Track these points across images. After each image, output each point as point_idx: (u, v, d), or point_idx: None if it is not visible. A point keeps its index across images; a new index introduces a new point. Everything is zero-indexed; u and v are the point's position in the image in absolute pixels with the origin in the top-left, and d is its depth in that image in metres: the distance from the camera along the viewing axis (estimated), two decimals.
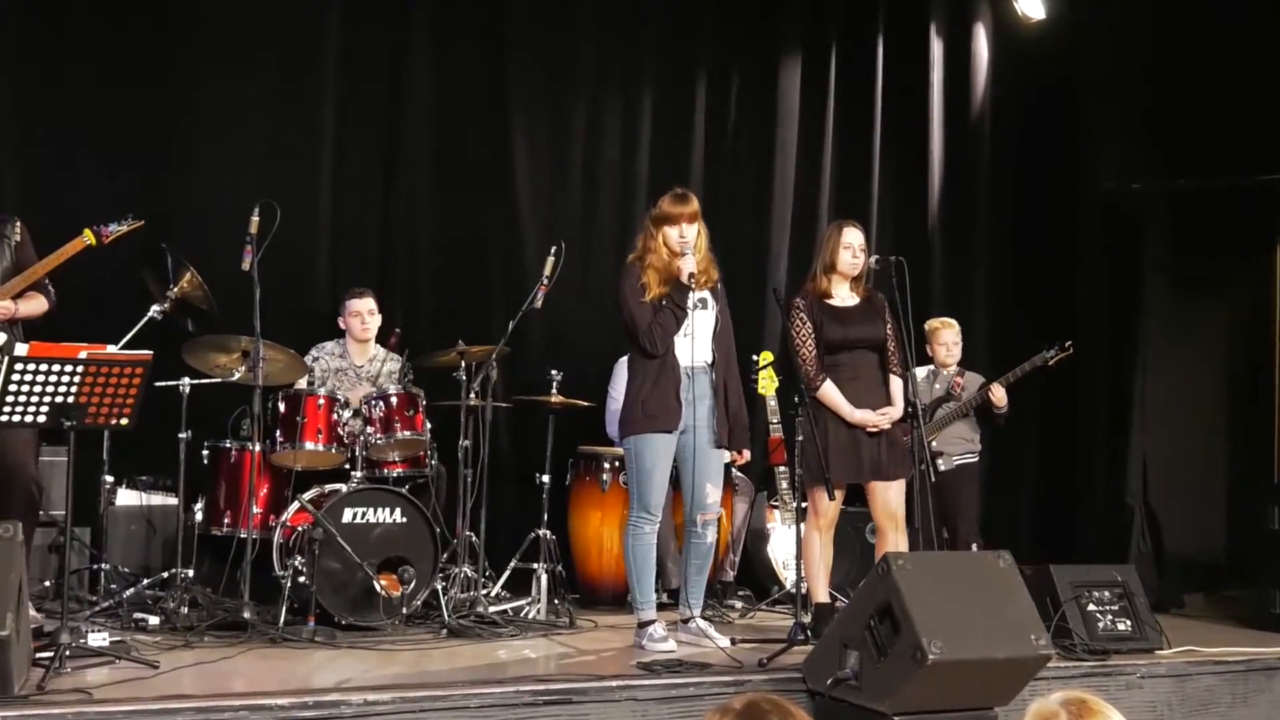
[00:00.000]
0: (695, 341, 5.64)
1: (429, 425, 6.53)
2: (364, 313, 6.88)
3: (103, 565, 6.14)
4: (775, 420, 7.25)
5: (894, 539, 5.89)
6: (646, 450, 5.59)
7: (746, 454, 6.22)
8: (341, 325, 6.95)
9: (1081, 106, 9.01)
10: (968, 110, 9.13)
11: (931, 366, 7.52)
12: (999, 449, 8.23)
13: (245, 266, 5.73)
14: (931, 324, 7.51)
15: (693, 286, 5.57)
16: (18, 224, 5.67)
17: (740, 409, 5.87)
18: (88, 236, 5.66)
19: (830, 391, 5.93)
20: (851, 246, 6.04)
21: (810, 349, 5.97)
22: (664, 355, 5.60)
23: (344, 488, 6.17)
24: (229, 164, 7.24)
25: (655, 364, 5.60)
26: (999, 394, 7.22)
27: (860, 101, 8.90)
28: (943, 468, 7.23)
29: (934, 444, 7.25)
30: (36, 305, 5.64)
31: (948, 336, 7.46)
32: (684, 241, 5.63)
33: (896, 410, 5.98)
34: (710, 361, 5.71)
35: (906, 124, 9.04)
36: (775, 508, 7.45)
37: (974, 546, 7.15)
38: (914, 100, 9.04)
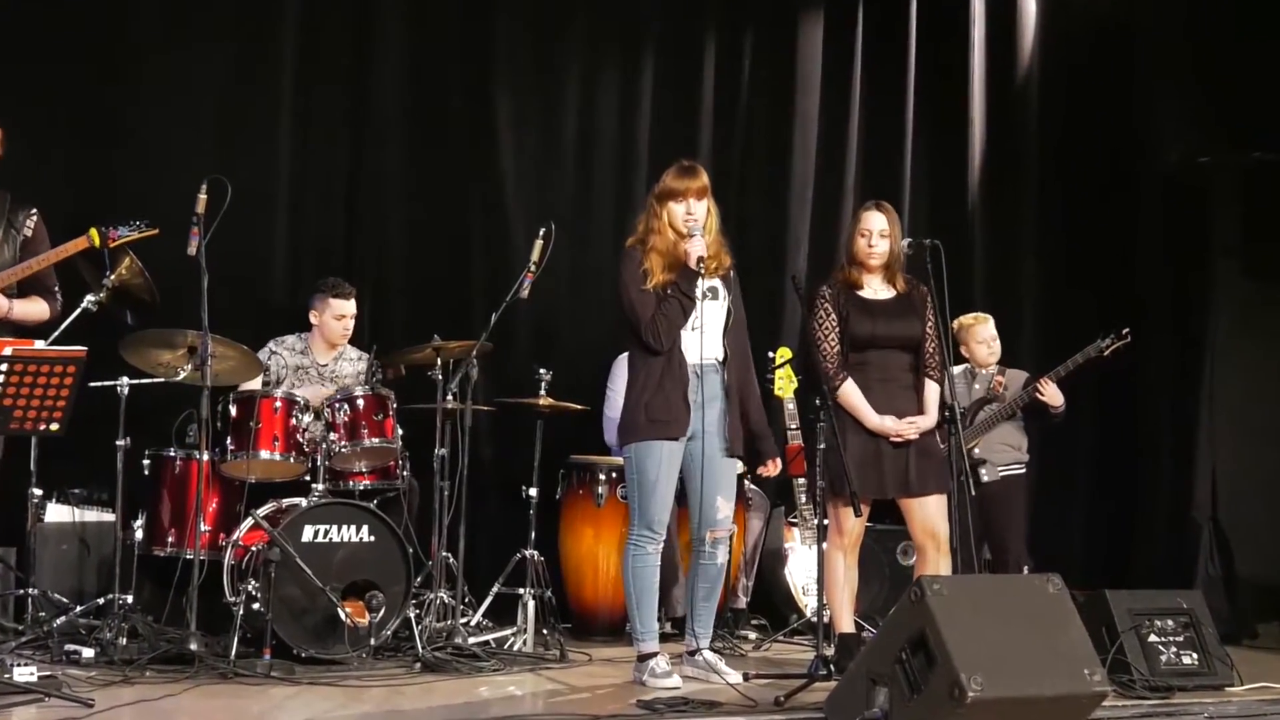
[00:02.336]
0: (705, 336, 5.62)
1: (400, 431, 6.52)
2: (348, 315, 6.88)
3: (30, 590, 6.12)
4: (794, 425, 7.24)
5: (935, 561, 5.89)
6: (650, 460, 5.58)
7: (778, 462, 6.19)
8: (313, 320, 6.93)
9: (1141, 69, 9.00)
10: (1012, 74, 9.12)
11: (967, 365, 7.50)
12: (1048, 457, 8.22)
13: (191, 251, 5.73)
14: (963, 320, 7.49)
15: (702, 272, 5.55)
16: (33, 215, 5.74)
17: (762, 415, 5.87)
18: (92, 237, 5.69)
19: (851, 393, 5.92)
20: (869, 233, 6.03)
21: (832, 344, 5.97)
22: (669, 351, 5.58)
23: (304, 502, 6.15)
24: (173, 135, 7.22)
25: (660, 361, 5.59)
26: (1050, 391, 7.20)
27: (890, 65, 8.89)
28: (985, 479, 7.22)
29: (975, 452, 7.24)
30: (35, 309, 5.69)
31: (985, 332, 7.45)
32: (692, 220, 5.61)
33: (927, 419, 5.96)
34: (721, 359, 5.69)
35: (943, 91, 9.03)
36: (794, 525, 7.44)
37: (1024, 569, 7.14)
38: (951, 64, 9.04)
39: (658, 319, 5.55)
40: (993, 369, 7.45)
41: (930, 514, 5.93)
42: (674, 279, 5.58)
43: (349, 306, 6.89)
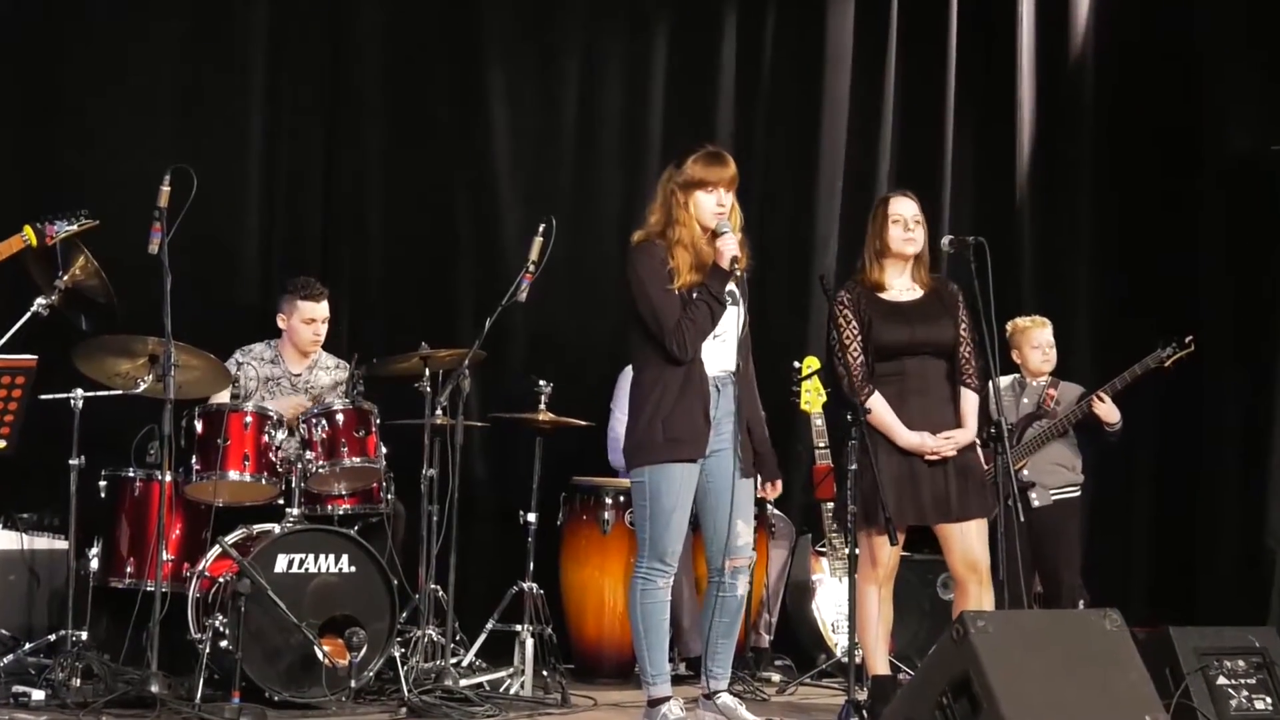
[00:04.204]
0: (725, 345, 5.60)
1: (384, 450, 6.55)
2: (319, 320, 6.90)
3: None
4: (822, 444, 7.26)
5: (977, 595, 5.88)
6: (666, 485, 5.52)
7: (778, 485, 6.16)
8: (280, 325, 6.96)
9: (1208, 47, 9.00)
10: (1064, 53, 9.13)
11: (1016, 375, 7.53)
12: (1105, 478, 8.21)
13: (153, 248, 5.75)
14: (1019, 323, 7.52)
15: (736, 273, 5.51)
16: None
17: (765, 430, 5.83)
18: (28, 235, 5.71)
19: (879, 408, 5.91)
20: (903, 219, 6.03)
21: (855, 355, 5.95)
22: (690, 361, 5.54)
23: (277, 529, 6.19)
24: (133, 121, 7.27)
25: (679, 373, 5.52)
26: (1106, 406, 7.23)
27: (929, 44, 8.90)
28: (1036, 503, 7.24)
29: (1024, 473, 7.26)
30: None
31: (1042, 337, 7.47)
32: (723, 213, 5.57)
33: (966, 433, 5.95)
34: (735, 370, 5.67)
35: (987, 70, 9.05)
36: (822, 554, 7.46)
37: (1078, 603, 7.16)
38: (996, 40, 9.05)
39: (684, 325, 5.47)
40: (1045, 380, 7.48)
41: (971, 542, 5.92)
42: (701, 280, 5.55)
43: (320, 309, 6.91)
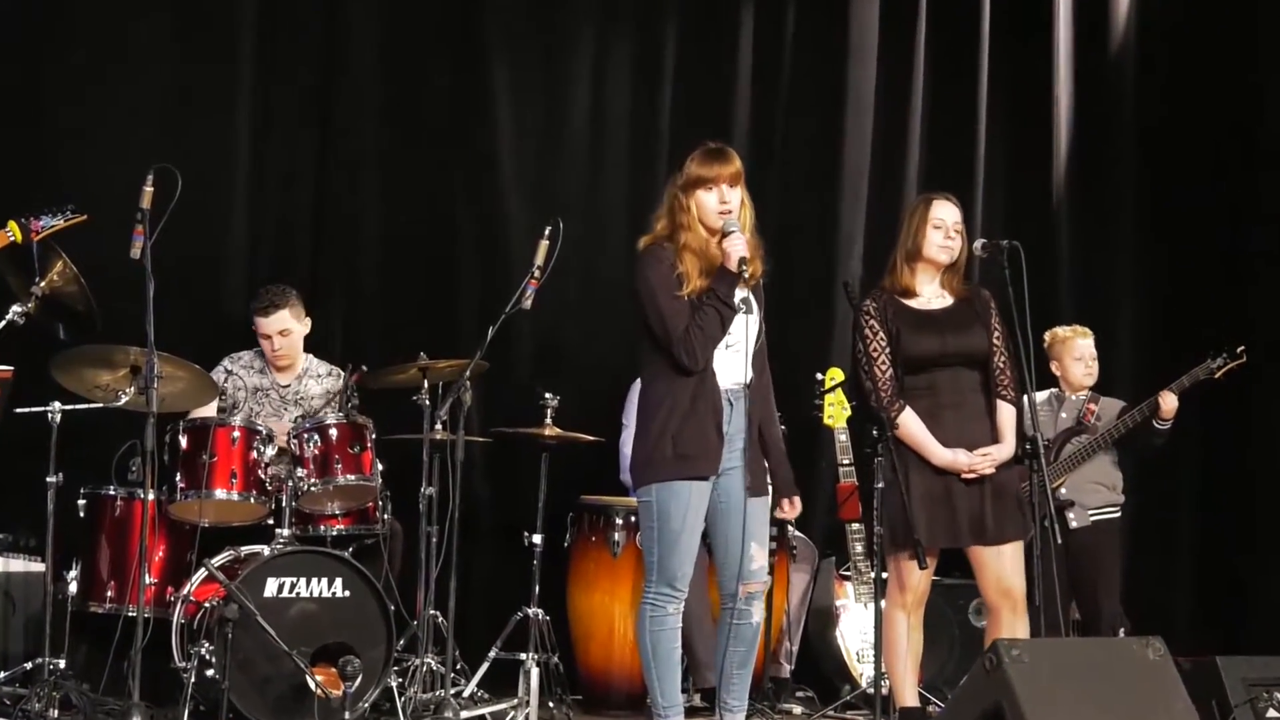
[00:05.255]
0: (738, 355, 5.59)
1: (380, 467, 6.57)
2: (272, 334, 6.90)
3: None
4: (846, 461, 7.27)
5: (1010, 622, 5.88)
6: (675, 504, 5.51)
7: (797, 503, 6.12)
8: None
9: (1263, 27, 9.00)
10: (1105, 41, 9.15)
11: (1054, 390, 7.53)
12: (1147, 498, 8.22)
13: (135, 253, 5.74)
14: (1059, 333, 7.53)
15: (745, 275, 5.51)
16: None
17: (782, 446, 5.81)
18: (12, 231, 5.72)
19: (911, 424, 5.91)
20: (944, 225, 6.03)
21: (883, 366, 5.95)
22: (702, 372, 5.54)
23: (266, 550, 6.20)
24: (114, 120, 7.30)
25: (689, 385, 5.52)
26: (1170, 403, 7.23)
27: (960, 31, 8.93)
28: (1074, 524, 7.25)
29: (1062, 491, 7.27)
30: None
31: (1084, 348, 7.49)
32: (727, 211, 5.56)
33: (1004, 449, 5.96)
34: (747, 382, 5.66)
35: (1022, 61, 9.06)
36: (846, 579, 7.46)
37: (1120, 631, 7.16)
38: (1032, 27, 9.07)
39: (692, 333, 5.45)
40: (1085, 395, 7.48)
41: (1005, 568, 5.91)
42: (710, 285, 5.52)
43: (269, 324, 6.88)
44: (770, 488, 5.71)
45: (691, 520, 5.51)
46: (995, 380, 6.03)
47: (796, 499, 6.01)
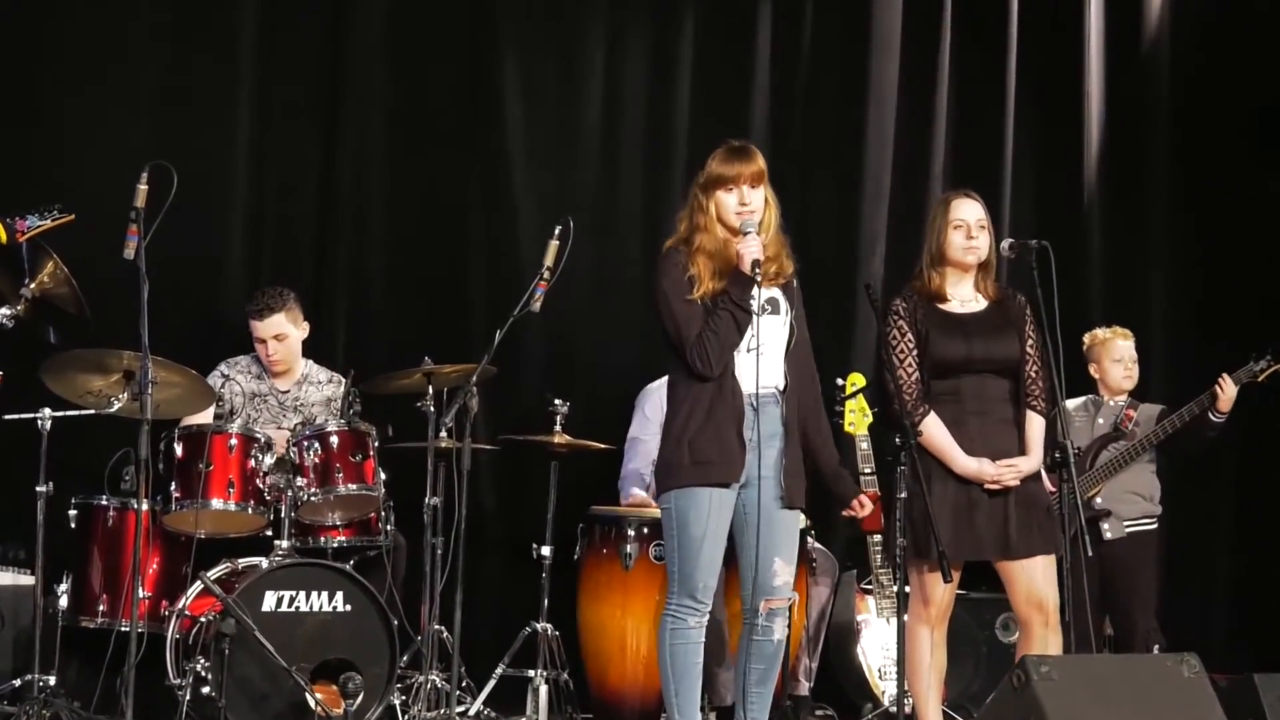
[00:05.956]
0: (763, 359, 5.58)
1: (383, 476, 6.57)
2: (266, 338, 6.90)
3: None
4: (868, 470, 7.26)
5: (1042, 638, 5.86)
6: (695, 511, 5.52)
7: (865, 501, 6.06)
8: None
9: None
10: (1137, 34, 9.14)
11: (1090, 396, 7.52)
12: (1182, 507, 8.20)
13: (129, 253, 5.74)
14: (1099, 334, 7.52)
15: (759, 279, 5.50)
16: None
17: (834, 454, 5.82)
18: None
19: (935, 430, 5.90)
20: (965, 225, 6.01)
21: (910, 370, 5.95)
22: (721, 377, 5.54)
23: (264, 563, 6.20)
24: (108, 115, 7.31)
25: (708, 390, 5.52)
26: (1229, 391, 7.19)
27: (987, 25, 8.92)
28: (1109, 535, 7.24)
29: (1097, 501, 7.26)
30: None
31: (1124, 350, 7.47)
32: (746, 212, 5.57)
33: (1030, 461, 5.94)
34: (782, 388, 5.66)
35: (1051, 54, 9.05)
36: (868, 593, 7.45)
37: (1154, 647, 7.15)
38: (1061, 21, 9.06)
39: (705, 337, 5.46)
40: (1123, 400, 7.47)
41: (1037, 580, 5.90)
42: (725, 287, 5.52)
43: (262, 328, 6.89)
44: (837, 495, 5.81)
45: (713, 529, 5.51)
46: (1026, 390, 6.00)
47: (863, 497, 5.99)
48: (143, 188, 5.73)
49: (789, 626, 5.90)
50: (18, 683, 6.17)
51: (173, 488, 6.31)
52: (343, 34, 7.84)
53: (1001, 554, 5.91)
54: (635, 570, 7.18)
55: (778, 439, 5.58)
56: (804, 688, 7.43)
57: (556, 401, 7.05)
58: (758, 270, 5.42)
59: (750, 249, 5.45)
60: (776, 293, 5.59)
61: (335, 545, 6.56)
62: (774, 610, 5.67)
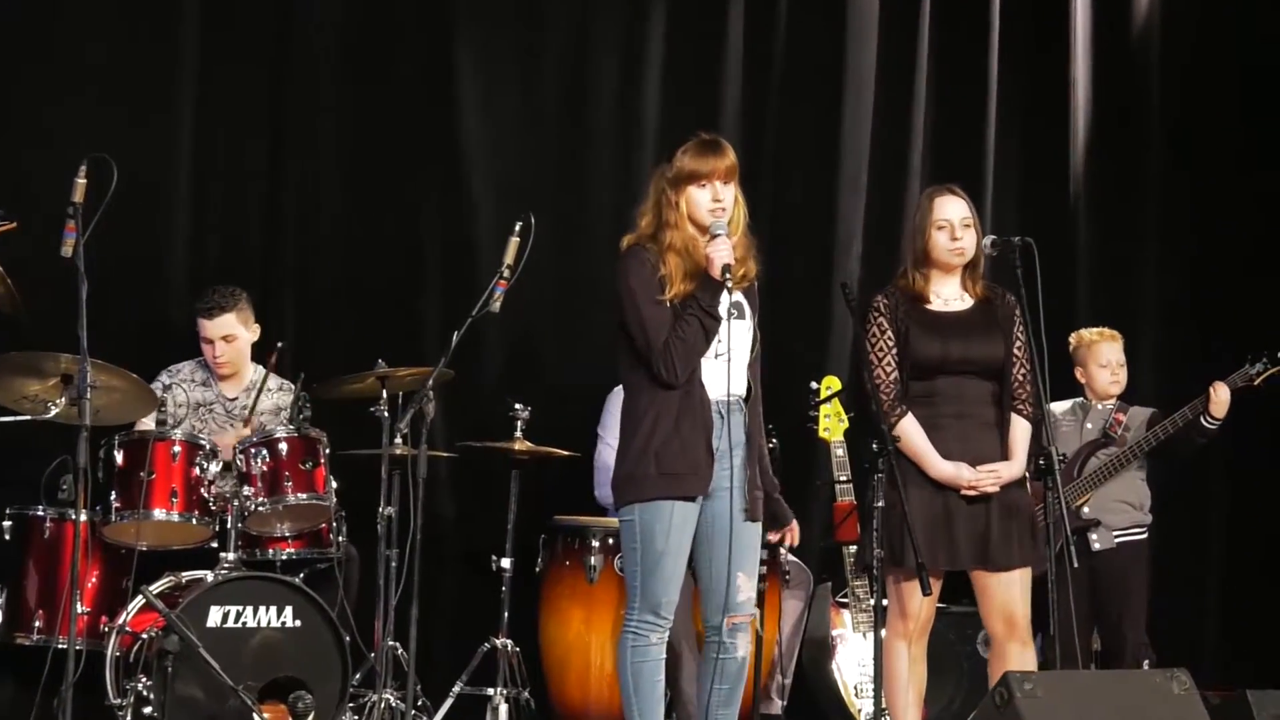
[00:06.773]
0: (731, 365, 5.56)
1: (334, 485, 6.56)
2: (214, 339, 6.88)
3: None
4: (844, 477, 7.26)
5: (1018, 655, 5.88)
6: (658, 525, 5.49)
7: (796, 530, 6.13)
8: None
9: None
10: (1126, 21, 9.16)
11: (1078, 399, 7.53)
12: (1172, 517, 8.20)
13: (66, 251, 5.73)
14: (1085, 336, 7.53)
15: (729, 284, 5.48)
16: None
17: (769, 464, 5.81)
18: None
19: (910, 432, 5.90)
20: (949, 225, 6.01)
21: (889, 369, 5.95)
22: (687, 384, 5.53)
23: (210, 576, 6.19)
24: (44, 103, 7.28)
25: (675, 397, 5.50)
26: (1222, 395, 7.20)
27: (968, 10, 8.94)
28: (1097, 545, 7.25)
29: (1085, 510, 7.27)
30: None
31: (1111, 353, 7.48)
32: (720, 209, 5.54)
33: (1012, 467, 5.94)
34: (745, 395, 5.65)
35: (1036, 42, 9.08)
36: (843, 606, 7.46)
37: (1143, 662, 7.17)
38: (1046, 8, 9.08)
39: (674, 342, 5.42)
40: (1111, 404, 7.48)
41: (1013, 594, 5.90)
42: (694, 290, 5.47)
43: (211, 327, 6.87)
44: (770, 513, 5.74)
45: (676, 542, 5.50)
46: (1012, 393, 6.00)
47: (795, 525, 6.00)
48: (81, 182, 5.69)
49: (757, 642, 5.92)
50: None
51: (113, 497, 6.30)
52: (292, 24, 7.81)
53: (977, 563, 5.91)
54: (600, 583, 7.19)
55: (742, 448, 5.57)
56: (776, 706, 7.44)
57: (517, 406, 7.06)
58: (728, 275, 5.40)
59: (720, 253, 5.42)
60: (740, 296, 5.58)
61: (284, 557, 6.56)
62: (736, 626, 5.66)
